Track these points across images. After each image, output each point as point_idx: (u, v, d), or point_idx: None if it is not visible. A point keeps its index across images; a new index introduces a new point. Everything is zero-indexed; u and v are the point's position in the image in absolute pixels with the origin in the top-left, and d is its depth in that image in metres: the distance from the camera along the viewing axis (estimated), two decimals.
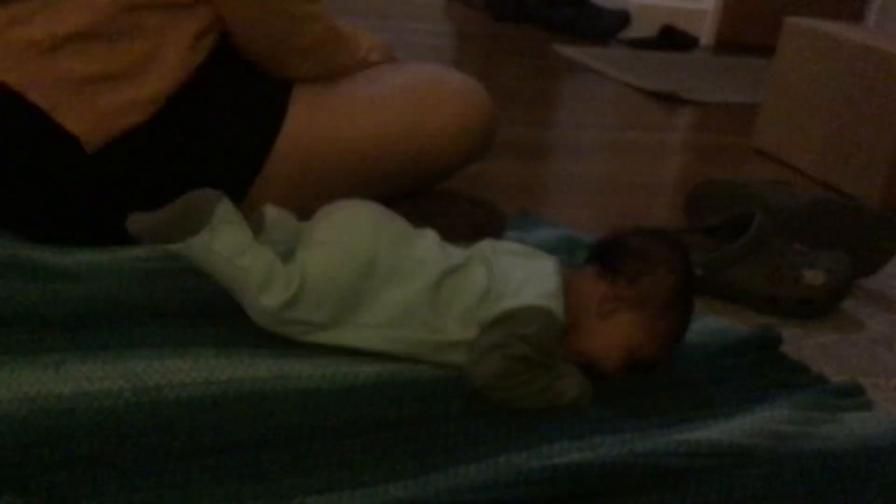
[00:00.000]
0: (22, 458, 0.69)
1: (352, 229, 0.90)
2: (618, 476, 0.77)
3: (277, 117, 1.08)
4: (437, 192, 1.24)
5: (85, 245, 1.02)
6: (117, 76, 0.99)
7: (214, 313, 0.91)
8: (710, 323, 1.09)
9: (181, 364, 0.83)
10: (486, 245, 0.97)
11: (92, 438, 0.72)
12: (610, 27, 3.17)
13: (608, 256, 0.95)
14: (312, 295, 0.86)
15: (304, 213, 0.97)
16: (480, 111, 1.17)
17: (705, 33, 3.32)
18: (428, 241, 0.93)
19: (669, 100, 2.38)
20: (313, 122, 1.09)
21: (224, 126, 1.07)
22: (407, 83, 1.16)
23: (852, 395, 0.98)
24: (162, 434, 0.74)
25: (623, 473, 0.77)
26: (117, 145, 1.01)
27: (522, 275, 0.91)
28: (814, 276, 1.19)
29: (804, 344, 1.12)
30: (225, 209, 0.86)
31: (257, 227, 0.93)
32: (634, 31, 3.18)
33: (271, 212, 0.94)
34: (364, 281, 0.87)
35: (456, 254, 0.94)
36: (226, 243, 0.85)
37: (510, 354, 0.84)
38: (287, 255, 0.90)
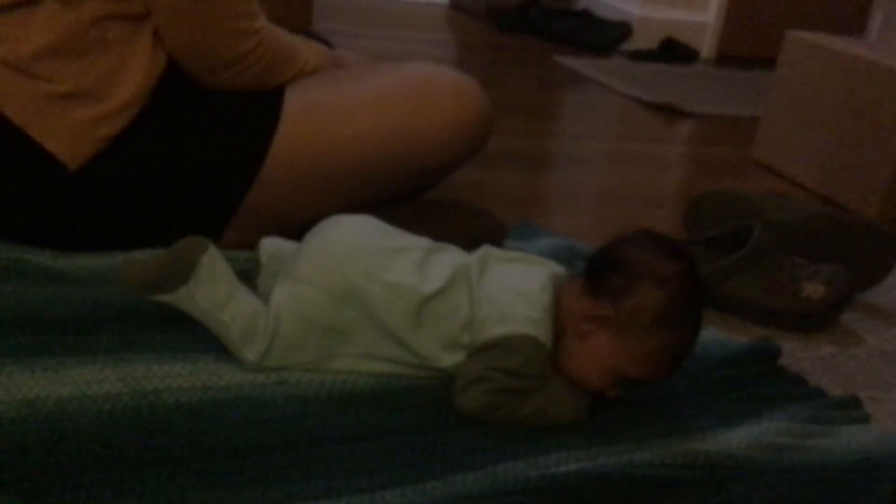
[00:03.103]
0: (20, 461, 0.69)
1: (324, 259, 0.87)
2: (616, 486, 0.77)
3: (272, 119, 1.07)
4: (438, 200, 1.24)
5: (85, 249, 1.03)
6: (87, 93, 0.99)
7: None
8: (709, 335, 1.09)
9: (180, 369, 0.83)
10: (476, 257, 0.93)
11: (90, 442, 0.72)
12: (611, 39, 3.18)
13: (598, 268, 0.89)
14: (290, 341, 0.86)
15: (304, 224, 0.96)
16: (475, 107, 1.16)
17: (706, 46, 3.33)
18: (407, 262, 0.89)
19: (670, 112, 2.38)
20: (309, 123, 1.09)
21: (218, 131, 1.06)
22: (401, 81, 1.15)
23: (850, 409, 0.98)
24: (160, 438, 0.74)
25: (621, 483, 0.77)
26: (102, 158, 1.00)
27: (510, 293, 0.88)
28: (813, 289, 1.19)
29: (803, 357, 1.12)
30: (210, 259, 0.85)
31: (255, 264, 0.94)
32: (636, 43, 3.19)
33: (267, 246, 0.93)
34: (341, 313, 0.86)
35: (437, 273, 0.89)
36: (207, 297, 0.84)
37: (492, 389, 0.83)
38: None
